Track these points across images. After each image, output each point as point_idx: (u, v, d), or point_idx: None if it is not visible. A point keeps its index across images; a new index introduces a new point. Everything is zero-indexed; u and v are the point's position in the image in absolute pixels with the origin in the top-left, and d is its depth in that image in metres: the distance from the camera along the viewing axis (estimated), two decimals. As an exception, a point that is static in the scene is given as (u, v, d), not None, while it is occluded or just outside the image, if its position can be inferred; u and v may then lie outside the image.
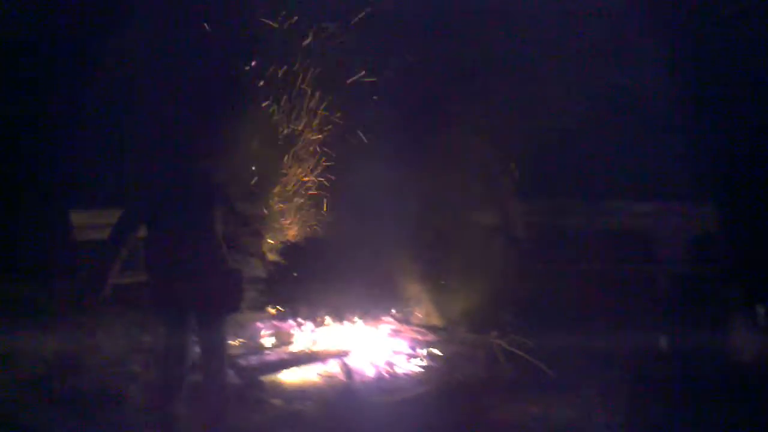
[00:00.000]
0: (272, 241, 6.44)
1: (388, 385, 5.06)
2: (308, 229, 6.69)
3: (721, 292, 5.96)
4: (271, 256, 6.03)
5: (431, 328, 5.82)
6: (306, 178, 6.70)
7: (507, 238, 6.35)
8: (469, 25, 6.94)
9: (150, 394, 4.12)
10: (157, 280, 3.74)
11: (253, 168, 6.50)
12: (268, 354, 5.46)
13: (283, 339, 5.66)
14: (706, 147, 7.47)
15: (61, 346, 4.81)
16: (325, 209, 6.67)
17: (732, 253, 6.53)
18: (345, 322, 5.71)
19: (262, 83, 6.48)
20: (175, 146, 4.17)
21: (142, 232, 3.76)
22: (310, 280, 5.77)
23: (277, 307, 5.82)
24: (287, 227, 6.67)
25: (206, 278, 3.69)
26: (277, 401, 4.71)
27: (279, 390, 4.92)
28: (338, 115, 6.60)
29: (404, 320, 5.95)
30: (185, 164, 3.91)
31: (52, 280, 5.78)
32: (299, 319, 5.62)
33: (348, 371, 5.18)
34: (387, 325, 5.85)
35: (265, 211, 6.57)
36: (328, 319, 5.75)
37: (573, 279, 7.19)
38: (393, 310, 6.02)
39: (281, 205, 6.68)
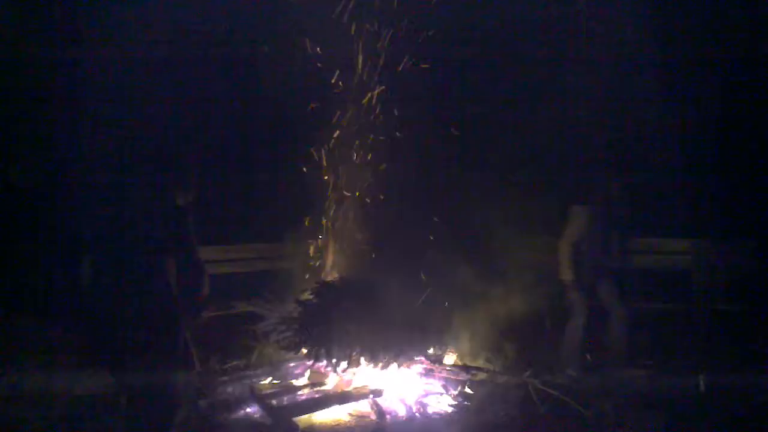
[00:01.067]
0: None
1: (419, 425, 5.03)
2: (342, 267, 6.70)
3: (762, 330, 5.82)
4: (305, 296, 6.06)
5: (464, 368, 5.78)
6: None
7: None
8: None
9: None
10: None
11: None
12: (301, 394, 5.48)
13: (316, 379, 5.68)
14: (744, 184, 7.40)
15: (95, 383, 4.88)
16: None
17: None
18: (378, 362, 5.69)
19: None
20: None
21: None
22: (344, 320, 5.77)
23: (310, 346, 5.83)
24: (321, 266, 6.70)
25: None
26: (309, 441, 4.73)
27: (311, 430, 4.93)
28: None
29: (437, 360, 5.91)
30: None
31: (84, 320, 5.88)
32: (332, 359, 5.61)
33: (380, 411, 5.16)
34: (420, 365, 5.83)
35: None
36: (360, 359, 5.74)
37: (610, 317, 7.10)
38: (426, 350, 5.98)
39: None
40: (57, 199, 6.20)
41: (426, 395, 5.50)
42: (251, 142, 7.68)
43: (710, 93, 7.70)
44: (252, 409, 5.25)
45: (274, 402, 5.25)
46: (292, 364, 5.88)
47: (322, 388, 5.57)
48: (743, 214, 7.35)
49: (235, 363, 5.92)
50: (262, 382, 5.66)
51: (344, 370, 5.55)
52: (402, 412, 5.24)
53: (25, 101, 6.77)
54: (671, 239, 7.45)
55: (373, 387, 5.46)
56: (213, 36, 7.21)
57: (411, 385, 5.62)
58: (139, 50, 6.76)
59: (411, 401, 5.36)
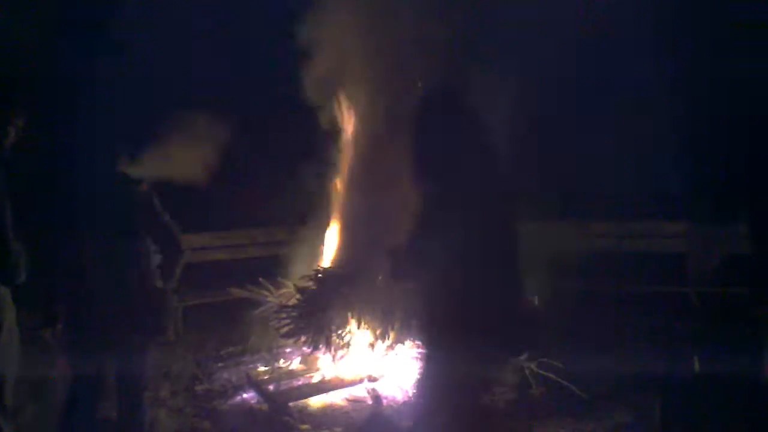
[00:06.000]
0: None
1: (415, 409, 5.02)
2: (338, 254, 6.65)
3: (753, 313, 5.81)
4: (302, 282, 6.05)
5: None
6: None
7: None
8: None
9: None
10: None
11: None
12: (297, 380, 5.49)
13: (312, 365, 5.69)
14: (736, 166, 7.37)
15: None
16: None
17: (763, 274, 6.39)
18: (374, 347, 5.69)
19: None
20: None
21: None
22: (340, 306, 5.77)
23: (309, 334, 5.82)
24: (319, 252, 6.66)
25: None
26: (305, 427, 4.74)
27: (307, 416, 4.94)
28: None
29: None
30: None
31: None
32: (328, 345, 5.61)
33: (376, 396, 5.18)
34: (416, 349, 5.83)
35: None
36: (356, 345, 5.74)
37: (604, 300, 7.11)
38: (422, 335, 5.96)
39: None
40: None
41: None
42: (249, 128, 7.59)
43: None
44: (249, 395, 5.27)
45: (270, 388, 5.27)
46: (288, 350, 5.89)
47: (318, 373, 5.58)
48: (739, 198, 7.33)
49: (231, 349, 5.92)
50: (258, 369, 5.67)
51: (340, 356, 5.56)
52: (398, 397, 5.24)
53: None
54: (664, 222, 7.47)
55: (369, 372, 5.47)
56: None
57: (407, 369, 5.63)
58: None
59: (407, 386, 5.37)
